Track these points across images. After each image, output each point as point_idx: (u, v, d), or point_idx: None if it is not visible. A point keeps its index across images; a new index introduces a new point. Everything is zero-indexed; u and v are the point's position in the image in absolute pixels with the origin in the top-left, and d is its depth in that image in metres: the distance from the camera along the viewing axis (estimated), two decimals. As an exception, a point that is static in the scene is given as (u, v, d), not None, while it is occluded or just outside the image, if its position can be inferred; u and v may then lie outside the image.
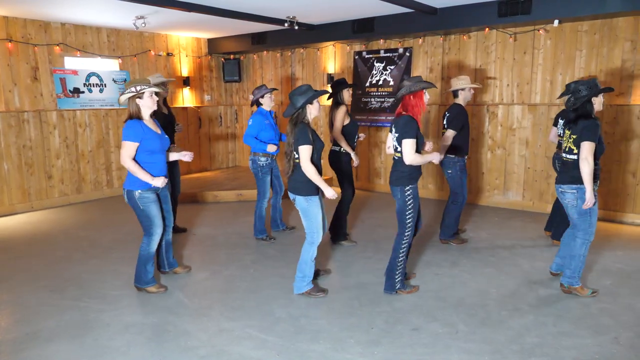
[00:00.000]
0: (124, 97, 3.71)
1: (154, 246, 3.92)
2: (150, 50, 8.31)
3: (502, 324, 3.42)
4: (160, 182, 3.74)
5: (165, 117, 5.24)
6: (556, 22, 5.89)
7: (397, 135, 3.63)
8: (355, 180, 5.25)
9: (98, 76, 7.59)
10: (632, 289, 3.99)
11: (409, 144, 3.54)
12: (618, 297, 3.84)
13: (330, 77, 8.33)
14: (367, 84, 7.95)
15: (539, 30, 6.31)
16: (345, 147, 4.91)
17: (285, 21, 6.99)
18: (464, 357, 3.00)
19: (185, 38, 8.92)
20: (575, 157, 3.62)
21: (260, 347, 3.15)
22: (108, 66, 7.84)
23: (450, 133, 4.84)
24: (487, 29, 6.59)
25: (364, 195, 7.69)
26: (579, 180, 3.60)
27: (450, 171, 4.98)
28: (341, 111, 4.90)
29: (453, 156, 4.92)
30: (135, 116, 3.73)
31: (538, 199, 6.60)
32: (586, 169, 3.51)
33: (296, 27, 7.18)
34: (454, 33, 6.95)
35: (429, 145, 3.86)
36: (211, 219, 6.44)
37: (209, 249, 5.19)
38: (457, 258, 4.78)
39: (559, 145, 4.94)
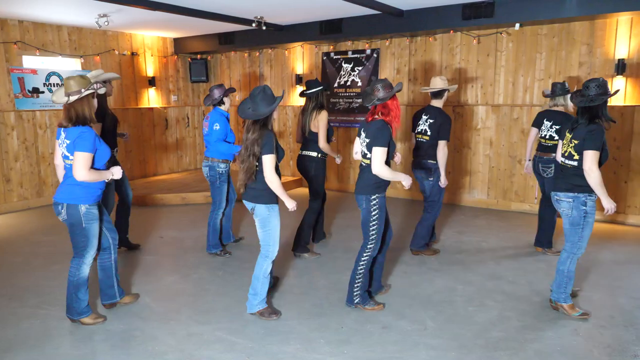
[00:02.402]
0: (75, 97, 3.11)
1: (86, 270, 3.39)
2: (113, 50, 8.10)
3: (468, 320, 3.50)
4: (118, 171, 3.32)
5: (114, 119, 4.73)
6: (517, 25, 6.08)
7: (367, 140, 3.42)
8: (325, 182, 4.97)
9: (59, 76, 7.34)
10: (589, 284, 4.15)
11: (379, 153, 3.32)
12: (577, 291, 3.98)
13: (298, 78, 8.33)
14: (335, 84, 7.99)
15: (501, 33, 6.49)
16: (331, 153, 4.69)
17: (253, 21, 6.95)
18: (432, 354, 3.06)
19: (150, 37, 8.74)
20: (575, 163, 3.34)
21: (230, 350, 3.12)
22: (69, 66, 7.59)
23: (443, 144, 4.47)
24: (451, 31, 6.74)
25: (333, 196, 7.72)
26: (577, 188, 3.35)
27: (431, 179, 4.60)
28: (325, 116, 4.57)
29: (435, 162, 4.54)
30: (88, 120, 3.18)
31: (502, 197, 6.79)
32: (592, 179, 3.23)
33: (264, 28, 7.15)
34: (420, 35, 7.07)
35: (397, 157, 3.68)
36: (179, 221, 6.33)
37: (177, 252, 5.10)
38: (424, 256, 4.85)
39: (542, 147, 4.71)
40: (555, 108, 4.70)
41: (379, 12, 6.60)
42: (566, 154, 3.45)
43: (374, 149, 3.34)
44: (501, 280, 4.24)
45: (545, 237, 4.89)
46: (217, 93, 4.82)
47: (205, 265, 4.69)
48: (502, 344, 3.16)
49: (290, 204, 3.38)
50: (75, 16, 6.73)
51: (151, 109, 8.86)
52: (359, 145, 3.61)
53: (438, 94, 4.57)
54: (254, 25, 7.02)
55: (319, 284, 4.21)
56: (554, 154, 4.56)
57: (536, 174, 4.85)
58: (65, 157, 3.24)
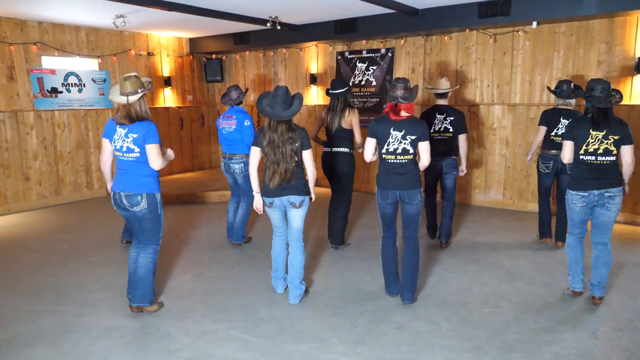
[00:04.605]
0: (137, 96, 3.31)
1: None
2: (130, 50, 8.20)
3: (483, 321, 3.47)
4: (172, 152, 3.76)
5: None
6: (535, 23, 5.99)
7: (413, 137, 3.51)
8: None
9: (77, 76, 7.45)
10: (609, 286, 4.06)
11: (429, 146, 3.61)
12: (595, 293, 3.91)
13: (312, 77, 8.33)
14: (350, 84, 7.97)
15: (518, 32, 6.41)
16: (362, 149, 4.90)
17: (268, 21, 6.97)
18: (446, 355, 3.03)
19: (166, 37, 8.82)
20: (614, 158, 3.50)
21: (244, 348, 3.14)
22: (87, 66, 7.70)
23: (465, 138, 4.81)
24: (467, 30, 6.67)
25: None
26: (621, 181, 3.56)
27: (455, 173, 4.93)
28: (358, 114, 4.78)
29: (455, 157, 4.90)
30: (147, 117, 3.40)
31: (518, 197, 6.71)
32: (633, 169, 3.58)
33: (278, 27, 7.16)
34: (435, 34, 7.02)
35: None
36: (194, 220, 6.38)
37: (192, 251, 5.14)
38: (440, 257, 4.82)
39: (557, 145, 4.69)
40: (565, 107, 4.77)
41: (393, 11, 6.56)
42: (601, 151, 3.49)
43: (425, 143, 3.57)
44: (517, 282, 4.18)
45: (549, 226, 5.10)
46: (235, 94, 4.99)
47: (220, 263, 4.71)
48: (517, 346, 3.12)
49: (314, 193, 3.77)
50: (92, 17, 6.82)
51: (167, 108, 8.95)
52: (397, 144, 3.54)
53: (445, 94, 4.85)
54: (268, 25, 7.04)
55: (333, 283, 4.20)
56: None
57: (539, 170, 5.00)
58: (129, 151, 3.39)
